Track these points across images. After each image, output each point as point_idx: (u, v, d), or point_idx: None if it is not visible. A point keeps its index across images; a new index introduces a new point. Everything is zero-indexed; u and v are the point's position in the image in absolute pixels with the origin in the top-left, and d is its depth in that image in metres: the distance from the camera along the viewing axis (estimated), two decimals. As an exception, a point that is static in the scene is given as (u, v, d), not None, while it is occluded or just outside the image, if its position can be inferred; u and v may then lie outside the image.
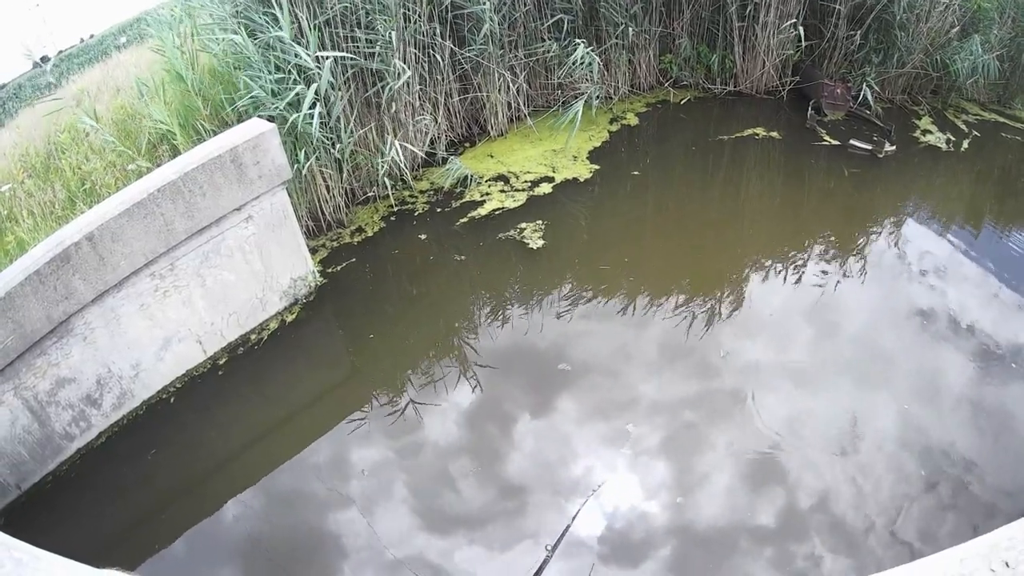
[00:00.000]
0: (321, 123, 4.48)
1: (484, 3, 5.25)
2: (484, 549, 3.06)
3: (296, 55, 4.31)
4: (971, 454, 3.56)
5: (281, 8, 4.27)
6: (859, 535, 3.09)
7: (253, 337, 4.26)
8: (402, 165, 4.95)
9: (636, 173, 5.75)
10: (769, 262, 4.90)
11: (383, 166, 4.79)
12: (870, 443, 3.53)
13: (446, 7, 5.27)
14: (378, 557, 3.04)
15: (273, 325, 4.35)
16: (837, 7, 6.51)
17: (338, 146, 4.83)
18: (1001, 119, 7.78)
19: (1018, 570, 1.90)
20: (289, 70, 4.40)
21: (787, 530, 3.09)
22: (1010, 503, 3.34)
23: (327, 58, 4.41)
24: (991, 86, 8.09)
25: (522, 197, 5.33)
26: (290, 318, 4.41)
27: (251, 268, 4.15)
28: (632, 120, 6.32)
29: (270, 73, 4.34)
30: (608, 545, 3.04)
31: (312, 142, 4.43)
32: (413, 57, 5.16)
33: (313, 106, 4.33)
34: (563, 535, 3.03)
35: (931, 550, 2.84)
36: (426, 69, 5.33)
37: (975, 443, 3.64)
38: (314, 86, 4.33)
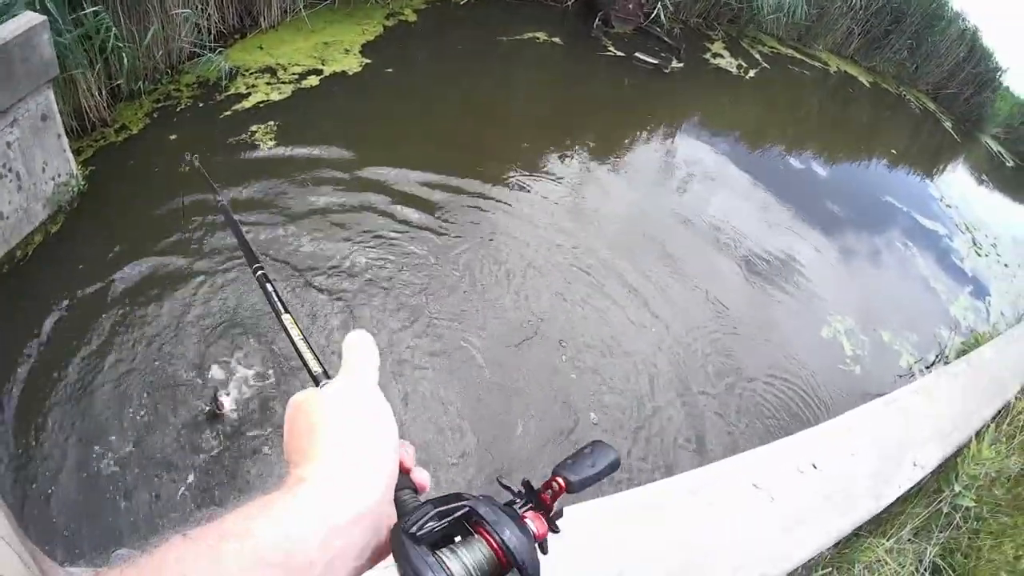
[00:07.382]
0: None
1: None
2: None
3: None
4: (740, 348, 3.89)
5: None
6: (661, 444, 3.33)
7: (19, 253, 3.95)
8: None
9: (407, 68, 5.78)
10: (530, 167, 5.08)
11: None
12: (643, 347, 3.76)
13: None
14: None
15: (38, 238, 4.04)
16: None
17: (96, 39, 4.58)
18: (798, 55, 8.34)
19: (825, 471, 2.10)
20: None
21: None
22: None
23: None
24: (794, 25, 8.63)
25: (288, 90, 5.27)
26: (54, 229, 4.12)
27: (15, 176, 3.84)
28: (410, 16, 6.34)
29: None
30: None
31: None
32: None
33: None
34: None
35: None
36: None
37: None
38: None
